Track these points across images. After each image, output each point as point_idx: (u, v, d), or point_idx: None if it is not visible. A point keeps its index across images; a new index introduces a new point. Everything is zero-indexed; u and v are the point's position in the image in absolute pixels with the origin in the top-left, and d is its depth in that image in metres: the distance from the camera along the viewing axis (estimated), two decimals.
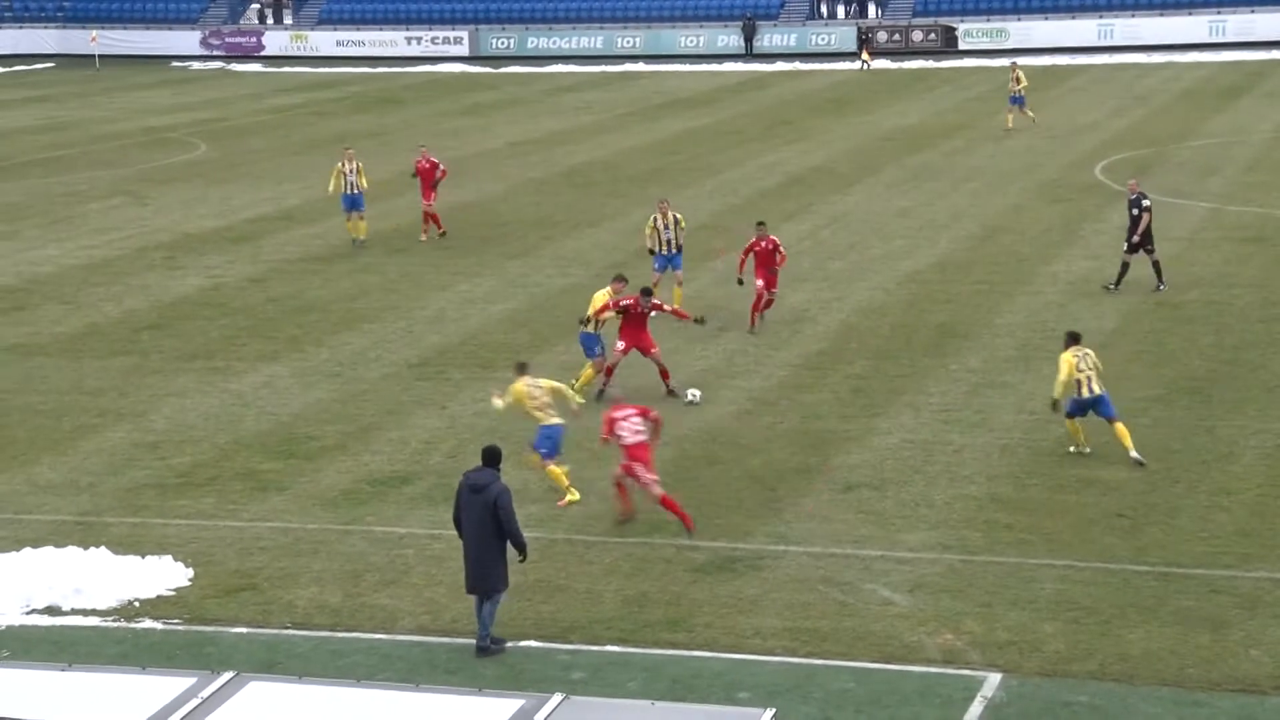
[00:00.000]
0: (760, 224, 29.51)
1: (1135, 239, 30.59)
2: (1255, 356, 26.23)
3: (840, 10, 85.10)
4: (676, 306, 27.28)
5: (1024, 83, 53.16)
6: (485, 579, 16.52)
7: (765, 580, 18.30)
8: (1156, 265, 30.82)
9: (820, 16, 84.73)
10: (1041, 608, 17.36)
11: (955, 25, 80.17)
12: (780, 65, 77.47)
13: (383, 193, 39.30)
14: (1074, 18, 79.11)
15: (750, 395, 25.19)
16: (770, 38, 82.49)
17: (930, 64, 75.89)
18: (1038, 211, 38.94)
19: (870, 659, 16.32)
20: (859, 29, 77.67)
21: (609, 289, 25.47)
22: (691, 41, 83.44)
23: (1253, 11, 76.59)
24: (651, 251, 30.12)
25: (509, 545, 16.57)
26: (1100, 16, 78.77)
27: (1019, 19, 79.56)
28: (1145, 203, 30.62)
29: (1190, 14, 77.29)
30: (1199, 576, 18.03)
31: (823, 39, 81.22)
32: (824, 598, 17.78)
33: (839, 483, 21.28)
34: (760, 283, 28.77)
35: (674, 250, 29.80)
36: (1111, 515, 19.89)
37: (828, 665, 16.21)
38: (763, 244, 28.77)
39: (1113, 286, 30.67)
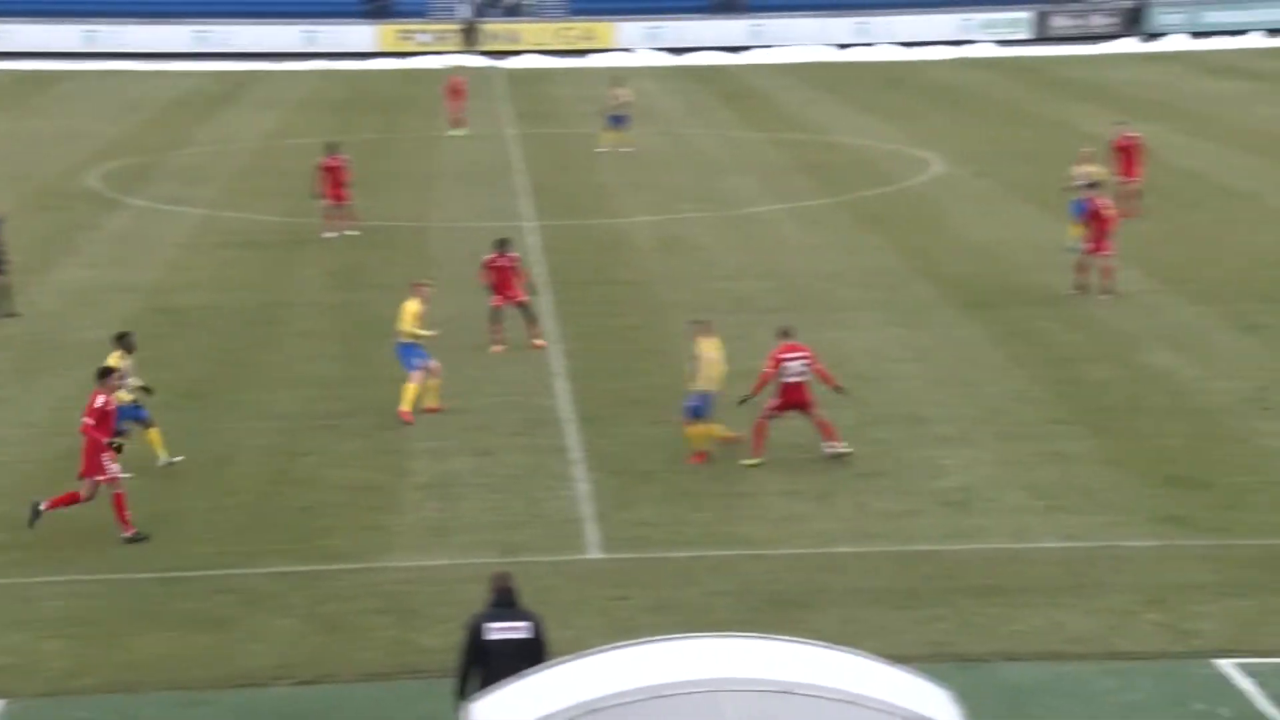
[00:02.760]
0: (502, 240, 26.68)
1: None
2: (253, 357, 26.87)
3: None
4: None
5: (624, 100, 47.64)
6: None
7: None
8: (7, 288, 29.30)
9: None
10: (43, 626, 16.94)
11: None
12: None
13: None
14: (61, 22, 76.94)
15: None
16: None
17: None
18: (30, 218, 37.76)
19: None
20: None
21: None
22: None
23: (237, 23, 77.74)
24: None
25: None
26: (85, 22, 76.83)
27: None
28: None
29: (286, 24, 76.70)
30: (202, 578, 18.27)
31: None
32: None
33: None
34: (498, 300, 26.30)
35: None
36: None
37: None
38: (500, 261, 26.33)
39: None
